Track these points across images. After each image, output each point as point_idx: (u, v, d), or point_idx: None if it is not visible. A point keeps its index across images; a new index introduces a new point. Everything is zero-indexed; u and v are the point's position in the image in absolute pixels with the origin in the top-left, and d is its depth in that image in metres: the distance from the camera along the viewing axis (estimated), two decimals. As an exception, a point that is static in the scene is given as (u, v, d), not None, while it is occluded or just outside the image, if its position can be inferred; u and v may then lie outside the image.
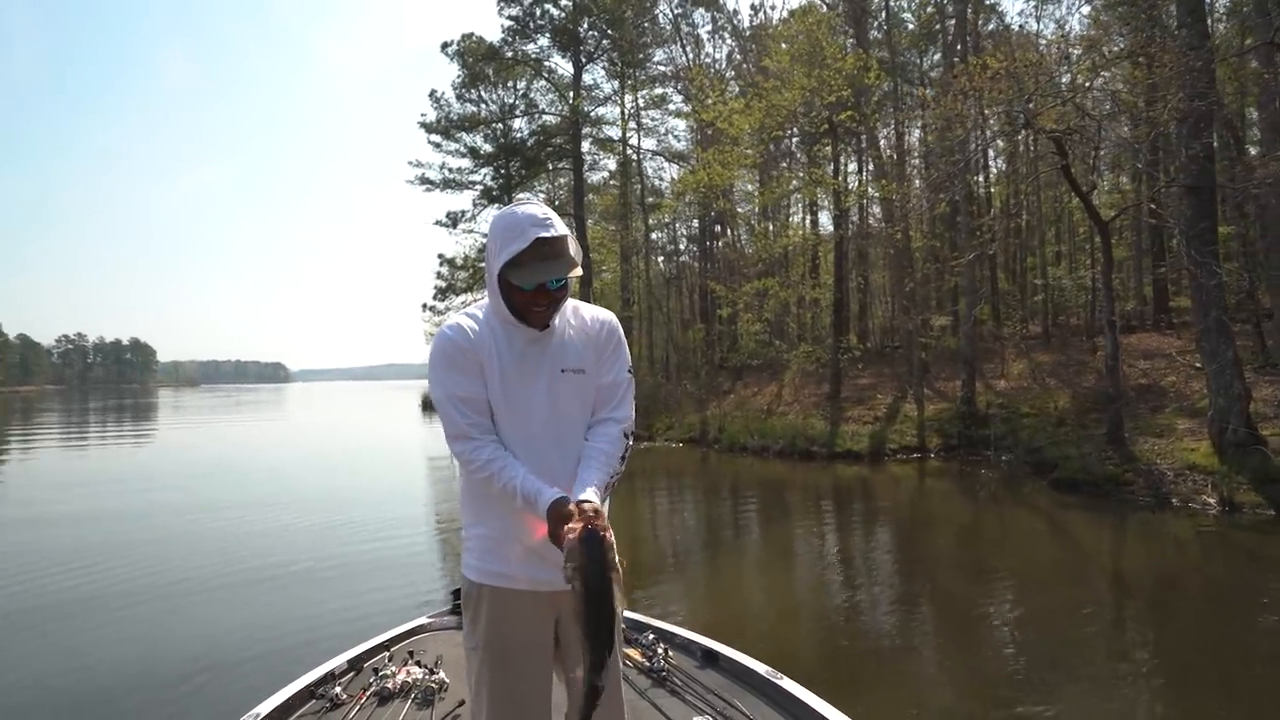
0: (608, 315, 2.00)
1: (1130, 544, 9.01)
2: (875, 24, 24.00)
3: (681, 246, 36.26)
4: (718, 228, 28.58)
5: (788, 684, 2.88)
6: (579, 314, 1.96)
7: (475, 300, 2.03)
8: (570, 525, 1.62)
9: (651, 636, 3.44)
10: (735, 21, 33.50)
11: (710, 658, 3.28)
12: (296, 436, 27.71)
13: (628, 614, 3.62)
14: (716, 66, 32.08)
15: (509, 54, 29.55)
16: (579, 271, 1.81)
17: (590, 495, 1.73)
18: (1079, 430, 13.79)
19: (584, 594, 1.57)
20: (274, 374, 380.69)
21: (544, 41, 29.61)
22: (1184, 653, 5.42)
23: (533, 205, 1.80)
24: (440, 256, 32.89)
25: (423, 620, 3.86)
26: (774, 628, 6.15)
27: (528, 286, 1.77)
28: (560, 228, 1.77)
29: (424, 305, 32.87)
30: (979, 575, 7.55)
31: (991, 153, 25.82)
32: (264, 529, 9.91)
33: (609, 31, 28.76)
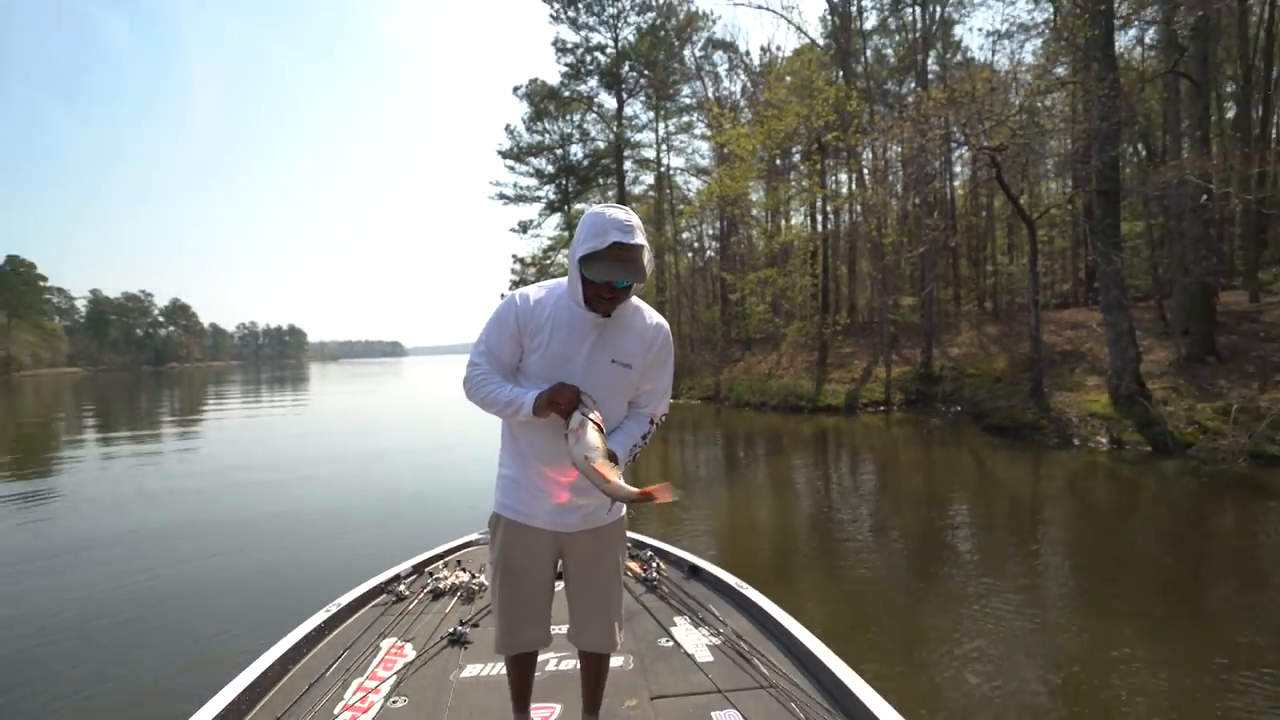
0: (664, 323, 1.86)
1: (1034, 472, 9.20)
2: (860, 61, 23.65)
3: (707, 244, 36.36)
4: (739, 228, 28.60)
5: (750, 592, 2.90)
6: (640, 314, 1.82)
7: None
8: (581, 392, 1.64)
9: (649, 553, 3.43)
10: (747, 61, 33.11)
11: (694, 571, 3.23)
12: (417, 398, 28.90)
13: (630, 534, 3.49)
14: (733, 98, 31.86)
15: (566, 93, 29.86)
16: (646, 277, 1.69)
17: (620, 450, 1.75)
18: (1011, 387, 13.82)
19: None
20: (393, 350, 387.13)
21: (593, 82, 29.84)
22: (1055, 547, 5.78)
23: (621, 212, 1.65)
24: (514, 256, 33.66)
25: (474, 535, 3.84)
26: (749, 540, 6.44)
27: (597, 280, 1.65)
28: (639, 238, 1.64)
29: (501, 294, 33.25)
30: (916, 499, 7.80)
31: (959, 164, 25.46)
32: (385, 465, 10.50)
33: (645, 72, 28.85)
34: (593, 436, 1.59)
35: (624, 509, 1.90)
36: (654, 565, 3.26)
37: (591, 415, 1.61)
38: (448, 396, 26.99)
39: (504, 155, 31.90)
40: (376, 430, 15.67)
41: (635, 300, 1.80)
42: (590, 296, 1.70)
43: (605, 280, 1.65)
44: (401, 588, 3.07)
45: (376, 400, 27.43)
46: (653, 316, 1.83)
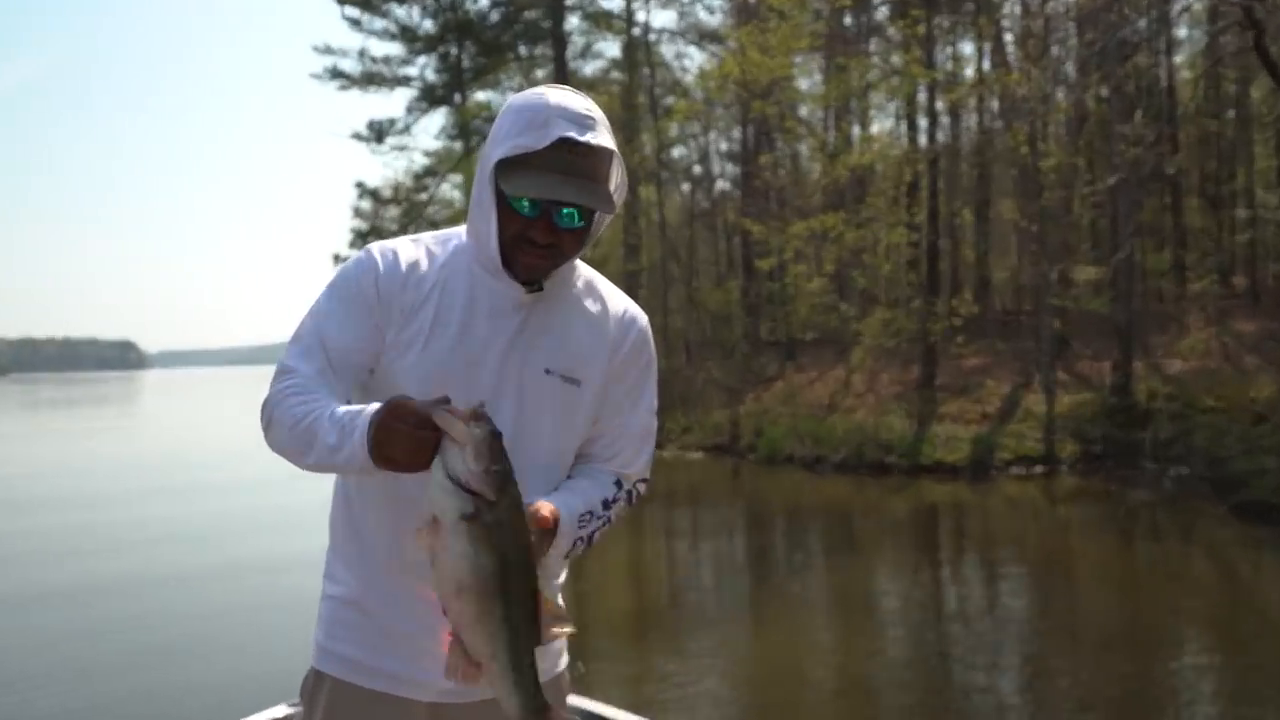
0: (639, 314, 1.92)
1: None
2: None
3: (716, 169, 36.42)
4: (775, 141, 28.64)
5: None
6: (597, 294, 1.89)
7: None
8: (448, 410, 1.43)
9: None
10: None
11: None
12: (163, 455, 28.17)
13: (579, 703, 3.51)
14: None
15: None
16: (616, 208, 1.72)
17: (558, 506, 1.66)
18: (1285, 432, 13.74)
19: (506, 511, 1.42)
20: (121, 358, 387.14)
21: None
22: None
23: (573, 96, 1.71)
24: (360, 186, 33.03)
25: (280, 710, 3.78)
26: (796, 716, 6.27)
27: (525, 208, 1.66)
28: (604, 137, 1.67)
29: (336, 256, 33.30)
30: (1110, 638, 7.63)
31: (1182, 25, 25.73)
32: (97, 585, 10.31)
33: None
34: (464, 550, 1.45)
35: (563, 656, 1.94)
36: None
37: (472, 464, 1.41)
38: (223, 448, 26.39)
39: (341, -1, 31.61)
40: (84, 523, 14.84)
41: (587, 270, 1.88)
42: (512, 240, 1.69)
43: (540, 204, 1.65)
44: None
45: (74, 460, 26.49)
46: (618, 299, 1.91)
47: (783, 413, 20.06)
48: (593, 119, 1.66)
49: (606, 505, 1.80)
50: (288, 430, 1.64)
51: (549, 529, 1.64)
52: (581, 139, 1.62)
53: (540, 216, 1.64)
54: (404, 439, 1.44)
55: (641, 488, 1.91)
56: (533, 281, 1.74)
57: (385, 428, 1.47)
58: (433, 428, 1.42)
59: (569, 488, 1.79)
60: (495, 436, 1.42)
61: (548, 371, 1.76)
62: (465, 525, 1.39)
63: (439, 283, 1.76)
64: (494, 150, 1.67)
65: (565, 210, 1.64)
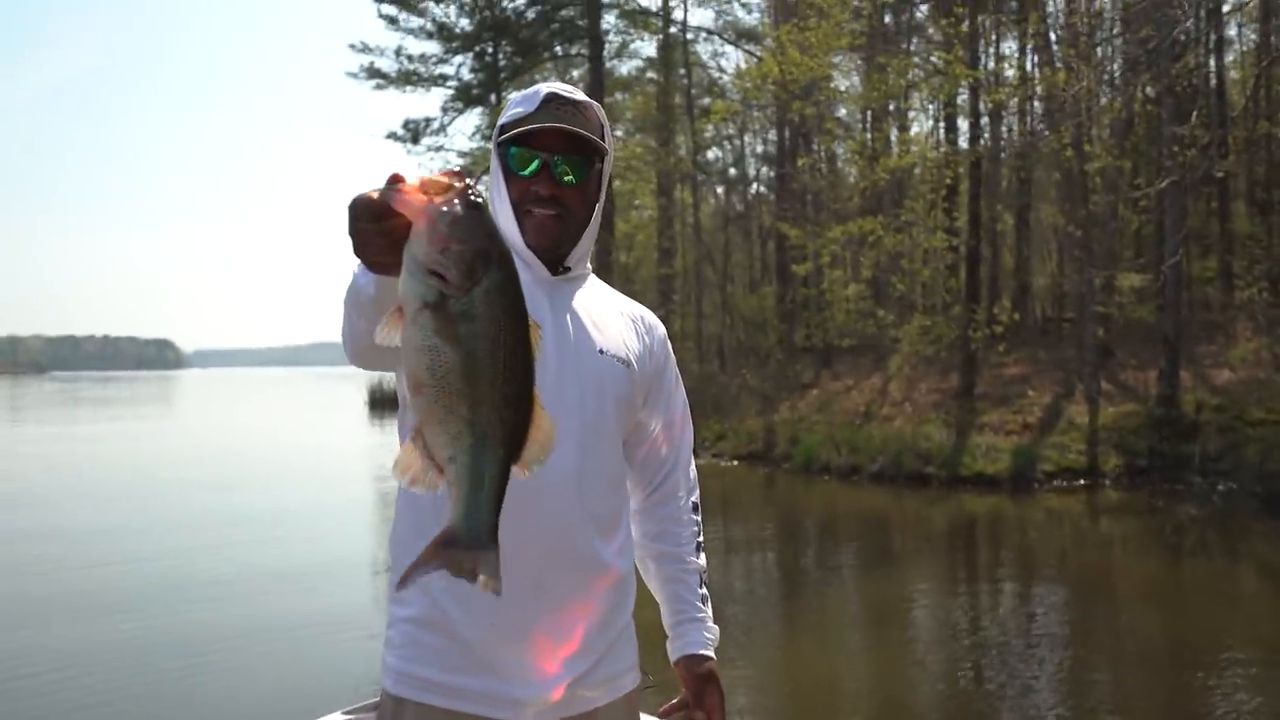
0: (659, 322, 2.11)
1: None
2: None
3: (751, 171, 36.33)
4: (813, 144, 28.54)
5: None
6: (616, 295, 2.07)
7: None
8: (426, 183, 1.26)
9: None
10: None
11: None
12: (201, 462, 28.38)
13: None
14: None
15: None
16: (606, 148, 1.89)
17: (709, 650, 2.03)
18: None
19: (481, 298, 1.25)
20: (158, 356, 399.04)
21: None
22: None
23: (561, 84, 1.95)
24: (395, 187, 33.25)
25: (334, 718, 3.97)
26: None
27: (521, 163, 1.83)
28: (588, 100, 1.89)
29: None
30: (1174, 667, 7.56)
31: (1235, 23, 25.41)
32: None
33: None
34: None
35: (635, 673, 2.01)
36: None
37: (426, 242, 1.22)
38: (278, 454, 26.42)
39: (378, -3, 31.85)
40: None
41: (602, 283, 2.04)
42: (519, 203, 1.85)
43: (539, 159, 1.81)
44: None
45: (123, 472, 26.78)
46: (635, 304, 2.08)
47: (818, 421, 20.06)
48: (578, 91, 1.89)
49: (699, 549, 2.12)
50: (345, 302, 1.60)
51: (715, 680, 2.02)
52: (567, 94, 1.85)
53: (540, 172, 1.82)
54: (370, 239, 1.30)
55: (693, 471, 2.16)
56: (556, 262, 1.88)
57: (353, 233, 1.33)
58: (395, 215, 1.26)
59: (691, 587, 2.11)
60: (465, 207, 1.23)
61: (601, 352, 1.88)
62: (425, 315, 1.23)
63: None
64: (497, 134, 1.88)
65: (564, 173, 1.82)
